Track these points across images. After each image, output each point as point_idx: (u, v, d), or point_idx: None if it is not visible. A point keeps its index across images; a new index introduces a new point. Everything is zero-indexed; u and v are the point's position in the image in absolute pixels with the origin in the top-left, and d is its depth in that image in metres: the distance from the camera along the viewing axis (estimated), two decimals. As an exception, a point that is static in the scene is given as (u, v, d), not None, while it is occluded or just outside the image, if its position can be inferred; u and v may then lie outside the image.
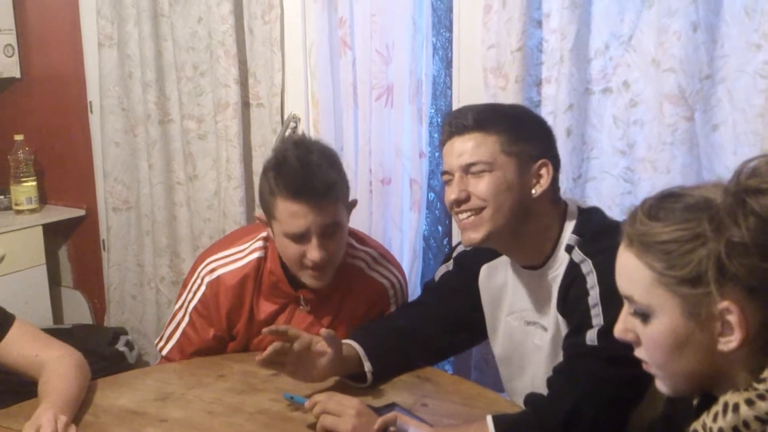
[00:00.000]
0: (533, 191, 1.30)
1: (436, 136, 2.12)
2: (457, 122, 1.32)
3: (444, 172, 1.35)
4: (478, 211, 1.29)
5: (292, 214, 1.41)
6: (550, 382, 1.25)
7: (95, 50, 2.44)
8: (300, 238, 1.42)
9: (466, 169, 1.30)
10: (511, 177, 1.29)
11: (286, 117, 2.12)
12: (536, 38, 1.69)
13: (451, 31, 1.92)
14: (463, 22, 1.82)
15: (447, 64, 2.08)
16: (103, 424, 1.31)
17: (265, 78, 2.13)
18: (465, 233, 1.33)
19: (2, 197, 2.69)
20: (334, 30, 2.00)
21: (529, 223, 1.31)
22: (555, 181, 1.34)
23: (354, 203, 1.54)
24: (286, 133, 2.11)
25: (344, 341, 1.45)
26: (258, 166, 2.20)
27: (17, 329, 1.40)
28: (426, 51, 1.92)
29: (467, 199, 1.30)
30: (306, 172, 1.40)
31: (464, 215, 1.31)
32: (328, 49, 2.01)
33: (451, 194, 1.31)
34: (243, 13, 2.13)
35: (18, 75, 2.70)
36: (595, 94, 1.65)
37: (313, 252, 1.42)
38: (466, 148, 1.30)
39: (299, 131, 2.12)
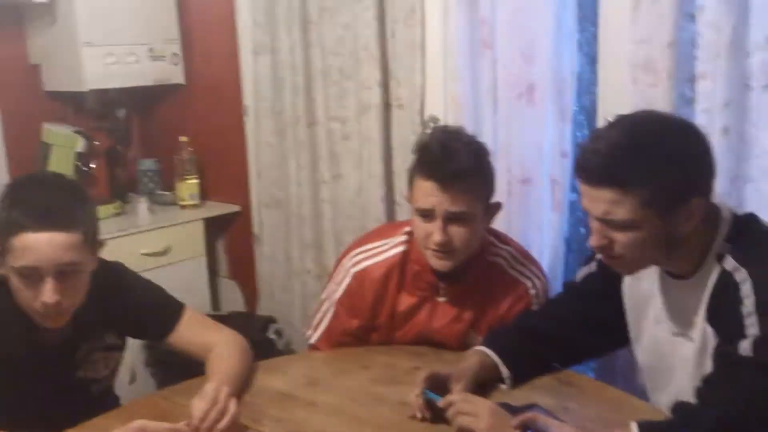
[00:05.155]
0: (682, 229, 1.21)
1: (579, 134, 2.07)
2: (586, 172, 1.20)
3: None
4: (622, 257, 1.26)
5: (421, 191, 1.49)
6: (699, 392, 1.20)
7: (251, 57, 2.60)
8: (427, 216, 1.48)
9: (604, 221, 1.22)
10: (655, 230, 1.20)
11: (425, 118, 2.17)
12: (689, 32, 1.61)
13: (596, 26, 1.86)
14: (610, 16, 1.77)
15: (591, 60, 2.03)
16: (257, 404, 1.42)
17: (406, 80, 2.18)
18: (610, 265, 1.31)
19: (169, 193, 2.93)
20: (475, 30, 2.00)
21: (677, 248, 1.25)
22: (708, 205, 1.24)
23: (497, 206, 1.56)
24: (427, 134, 2.15)
25: (477, 348, 1.46)
26: (398, 166, 2.26)
27: (188, 317, 1.55)
28: (570, 47, 1.87)
29: (609, 247, 1.24)
30: (442, 153, 1.47)
31: (606, 255, 1.28)
32: (468, 50, 2.01)
33: (592, 242, 1.26)
34: (386, 17, 2.19)
35: (183, 81, 2.90)
36: (754, 90, 1.55)
37: (436, 234, 1.46)
38: (600, 199, 1.20)
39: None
